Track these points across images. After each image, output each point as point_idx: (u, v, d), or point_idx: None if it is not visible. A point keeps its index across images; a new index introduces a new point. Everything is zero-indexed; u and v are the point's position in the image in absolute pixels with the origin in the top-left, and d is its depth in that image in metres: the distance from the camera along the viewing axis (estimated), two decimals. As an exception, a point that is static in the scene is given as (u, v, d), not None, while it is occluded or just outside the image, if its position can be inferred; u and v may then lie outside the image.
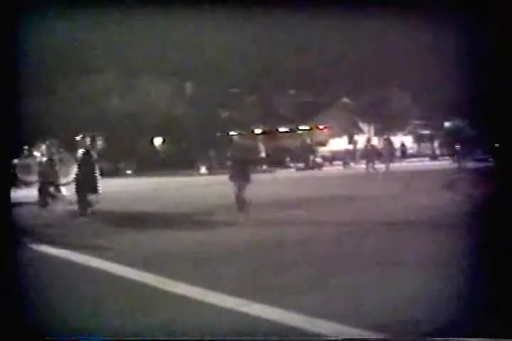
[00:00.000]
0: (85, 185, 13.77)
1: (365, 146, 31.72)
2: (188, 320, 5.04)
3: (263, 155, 35.05)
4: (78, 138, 14.21)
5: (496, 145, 32.95)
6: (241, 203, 12.12)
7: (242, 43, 37.80)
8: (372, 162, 29.18)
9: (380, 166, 28.38)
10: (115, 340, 4.53)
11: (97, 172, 14.14)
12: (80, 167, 14.03)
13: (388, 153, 30.03)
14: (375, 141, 41.96)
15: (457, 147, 32.06)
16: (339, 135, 45.79)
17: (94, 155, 14.27)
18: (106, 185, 15.72)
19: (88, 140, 14.23)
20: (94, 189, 13.91)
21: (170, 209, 14.79)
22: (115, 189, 21.56)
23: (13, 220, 11.08)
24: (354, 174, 28.35)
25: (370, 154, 30.16)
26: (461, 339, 4.14)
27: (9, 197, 11.63)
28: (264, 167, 34.13)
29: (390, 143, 31.42)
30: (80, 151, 14.12)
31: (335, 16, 27.23)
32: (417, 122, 49.31)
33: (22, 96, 21.72)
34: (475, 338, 4.05)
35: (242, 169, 12.27)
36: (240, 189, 12.15)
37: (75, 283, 6.64)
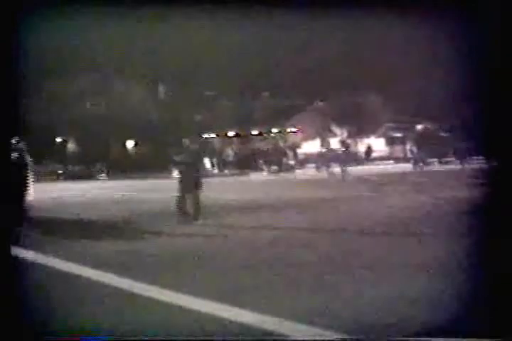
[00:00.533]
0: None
1: (321, 150, 31.79)
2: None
3: (230, 159, 35.26)
4: (13, 141, 12.81)
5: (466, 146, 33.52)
6: (195, 210, 11.75)
7: (218, 46, 37.78)
8: (329, 166, 29.08)
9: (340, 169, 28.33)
10: (115, 340, 4.54)
11: (29, 178, 12.99)
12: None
13: (345, 157, 29.87)
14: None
15: (414, 149, 32.63)
16: (312, 138, 46.01)
17: (28, 159, 13.02)
18: (64, 189, 15.36)
19: (22, 144, 12.84)
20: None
21: (112, 216, 13.82)
22: (73, 193, 21.15)
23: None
24: (318, 178, 28.41)
25: (328, 158, 30.15)
26: (461, 339, 4.20)
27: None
28: (226, 171, 34.40)
29: (347, 146, 31.22)
30: (14, 155, 12.78)
31: (308, 19, 27.39)
32: (390, 125, 49.77)
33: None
34: (475, 338, 4.11)
35: (192, 176, 11.91)
36: (194, 196, 11.79)
37: None
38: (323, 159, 30.51)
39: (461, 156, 35.62)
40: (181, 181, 12.01)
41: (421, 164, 30.05)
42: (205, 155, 38.67)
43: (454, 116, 41.30)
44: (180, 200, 11.88)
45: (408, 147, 42.27)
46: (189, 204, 11.84)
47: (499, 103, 7.62)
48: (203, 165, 12.27)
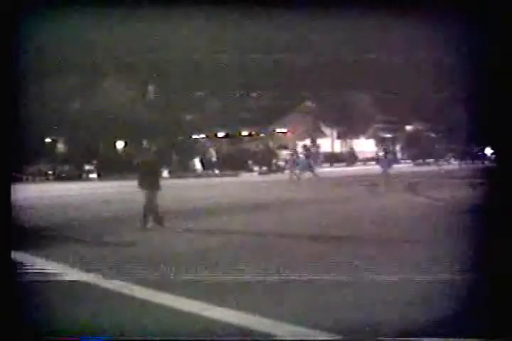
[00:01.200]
0: None
1: (291, 154, 31.70)
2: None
3: (214, 159, 35.26)
4: None
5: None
6: (151, 213, 11.53)
7: (208, 46, 37.70)
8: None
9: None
10: (115, 340, 4.51)
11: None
12: None
13: (311, 160, 29.74)
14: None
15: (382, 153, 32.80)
16: (302, 139, 46.01)
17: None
18: (50, 190, 15.36)
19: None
20: None
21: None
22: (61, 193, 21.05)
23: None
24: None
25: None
26: (460, 339, 4.19)
27: None
28: (217, 171, 34.40)
29: (307, 149, 30.90)
30: None
31: (298, 18, 27.40)
32: (379, 126, 49.88)
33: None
34: (475, 338, 4.11)
35: (151, 176, 11.64)
36: (149, 197, 11.55)
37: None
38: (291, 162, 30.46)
39: (440, 157, 36.09)
40: (140, 183, 11.69)
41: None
42: (196, 155, 38.70)
43: (446, 117, 41.56)
44: (146, 204, 11.56)
45: (398, 148, 42.56)
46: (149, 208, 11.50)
47: (493, 104, 7.65)
48: (161, 166, 12.08)
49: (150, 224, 11.58)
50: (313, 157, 30.66)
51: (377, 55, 36.95)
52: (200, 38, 35.76)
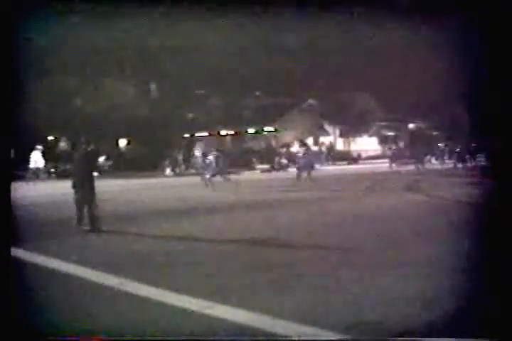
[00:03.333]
0: None
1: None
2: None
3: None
4: None
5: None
6: (90, 215, 10.75)
7: (210, 45, 37.70)
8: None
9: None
10: (116, 340, 4.50)
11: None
12: None
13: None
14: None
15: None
16: (305, 137, 45.99)
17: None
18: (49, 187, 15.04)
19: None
20: None
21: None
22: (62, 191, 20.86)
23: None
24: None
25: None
26: (460, 339, 4.18)
27: None
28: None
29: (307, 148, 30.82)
30: None
31: (301, 19, 27.40)
32: (382, 124, 49.82)
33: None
34: (475, 338, 4.09)
35: (85, 178, 10.93)
36: (80, 198, 10.84)
37: None
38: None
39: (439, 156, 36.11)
40: (74, 185, 10.99)
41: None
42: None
43: (446, 115, 41.55)
44: (79, 208, 10.89)
45: (401, 145, 42.47)
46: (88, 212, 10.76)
47: (493, 103, 7.62)
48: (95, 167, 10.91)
49: (84, 227, 10.75)
50: (315, 155, 30.58)
51: (380, 54, 36.93)
52: (204, 37, 35.75)
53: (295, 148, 43.58)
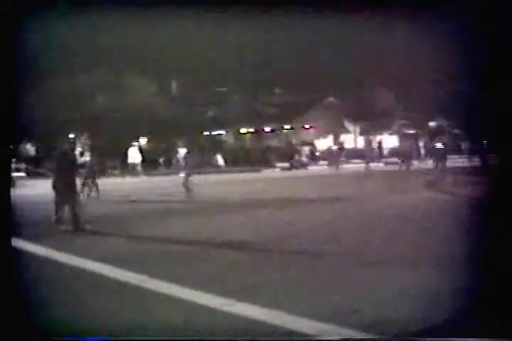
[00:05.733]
0: None
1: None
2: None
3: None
4: None
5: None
6: (72, 216, 10.47)
7: (230, 43, 37.74)
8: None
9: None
10: (119, 340, 4.54)
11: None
12: None
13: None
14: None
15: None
16: (325, 135, 45.86)
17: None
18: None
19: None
20: None
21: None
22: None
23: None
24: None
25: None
26: (460, 339, 4.17)
27: None
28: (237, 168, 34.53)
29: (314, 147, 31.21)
30: None
31: (322, 16, 27.27)
32: (403, 121, 49.44)
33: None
34: (475, 338, 4.08)
35: (67, 179, 10.65)
36: (65, 200, 10.59)
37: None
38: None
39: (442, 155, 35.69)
40: (55, 185, 10.72)
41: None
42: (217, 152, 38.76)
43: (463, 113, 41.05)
44: (58, 207, 10.69)
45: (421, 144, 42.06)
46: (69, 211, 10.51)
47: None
48: (77, 167, 10.50)
49: (64, 227, 10.49)
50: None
51: (398, 52, 36.68)
52: (224, 35, 35.80)
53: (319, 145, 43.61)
